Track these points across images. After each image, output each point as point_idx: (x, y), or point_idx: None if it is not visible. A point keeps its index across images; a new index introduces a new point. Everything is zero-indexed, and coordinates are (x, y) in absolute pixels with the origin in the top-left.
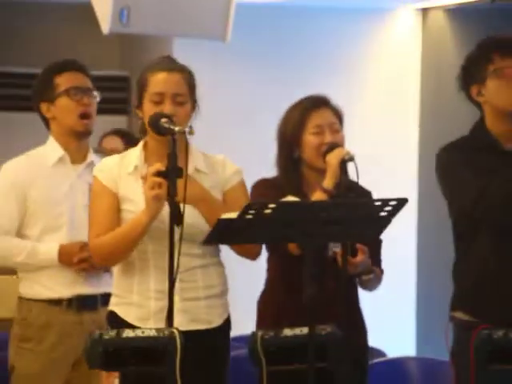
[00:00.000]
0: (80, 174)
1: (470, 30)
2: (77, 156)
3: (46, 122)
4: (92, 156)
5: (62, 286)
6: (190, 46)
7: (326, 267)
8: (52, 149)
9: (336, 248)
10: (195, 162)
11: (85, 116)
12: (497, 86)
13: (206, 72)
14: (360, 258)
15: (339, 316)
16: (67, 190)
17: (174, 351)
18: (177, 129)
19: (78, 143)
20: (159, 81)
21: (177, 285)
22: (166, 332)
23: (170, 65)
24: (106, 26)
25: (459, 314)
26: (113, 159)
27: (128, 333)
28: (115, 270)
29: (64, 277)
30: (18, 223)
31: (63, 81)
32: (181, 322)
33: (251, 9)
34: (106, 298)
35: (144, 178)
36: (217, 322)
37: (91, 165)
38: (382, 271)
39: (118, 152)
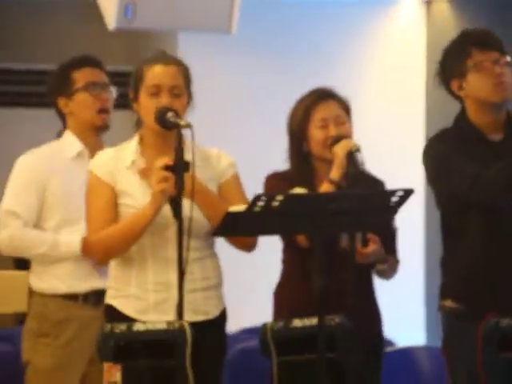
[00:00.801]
0: None
1: (474, 21)
2: (94, 150)
3: (63, 117)
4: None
5: (78, 280)
6: (196, 39)
7: (338, 258)
8: (70, 143)
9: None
10: (190, 156)
11: (103, 111)
12: (478, 79)
13: (211, 65)
14: (371, 248)
15: (352, 306)
16: (83, 184)
17: (184, 344)
18: (183, 122)
19: (95, 138)
20: (156, 73)
21: (175, 277)
22: (177, 325)
23: (166, 57)
24: (111, 22)
25: (449, 303)
26: (108, 153)
27: (139, 326)
28: (111, 263)
29: (81, 270)
30: (37, 215)
31: (81, 76)
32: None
33: (257, 3)
34: None
35: (141, 172)
36: (214, 313)
37: None
38: (397, 260)
39: None
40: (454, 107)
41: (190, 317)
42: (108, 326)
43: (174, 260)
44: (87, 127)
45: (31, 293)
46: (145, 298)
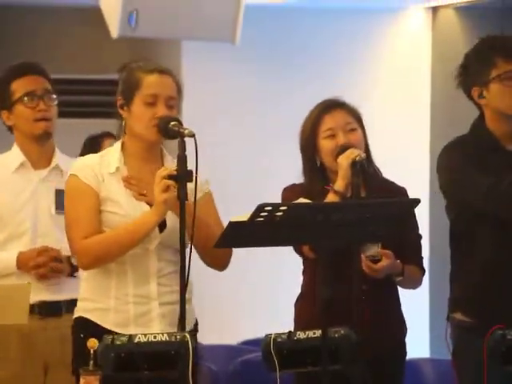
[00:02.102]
0: (44, 178)
1: (480, 28)
2: (40, 161)
3: (10, 129)
4: (58, 159)
5: None
6: (199, 48)
7: (355, 270)
8: (14, 155)
9: (368, 251)
10: (169, 168)
11: (41, 120)
12: (500, 90)
13: (214, 74)
14: (382, 263)
15: (367, 318)
16: (28, 196)
17: (187, 355)
18: (186, 132)
19: (39, 147)
20: (154, 82)
21: (156, 289)
22: (178, 336)
23: (161, 67)
24: (114, 30)
25: (458, 316)
26: (92, 158)
27: (140, 338)
28: (85, 274)
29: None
30: None
31: (19, 87)
32: (160, 327)
33: (261, 10)
34: (71, 304)
35: (125, 180)
36: (189, 325)
37: (57, 168)
38: (422, 270)
39: None
40: (459, 112)
41: (168, 329)
42: (109, 338)
43: (154, 272)
44: (29, 137)
45: None
46: (125, 311)
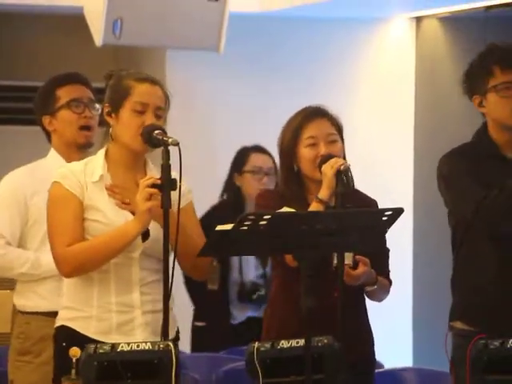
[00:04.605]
0: None
1: (464, 38)
2: None
3: (48, 134)
4: None
5: (60, 297)
6: (184, 57)
7: (330, 278)
8: (54, 161)
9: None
10: (153, 177)
11: (85, 128)
12: (497, 101)
13: (199, 82)
14: (361, 270)
15: (343, 327)
16: None
17: (170, 364)
18: (170, 140)
19: (79, 156)
20: (145, 91)
21: (139, 298)
22: (162, 345)
23: (151, 77)
24: (99, 38)
25: (459, 324)
26: (77, 166)
27: (123, 346)
28: (67, 282)
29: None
30: (20, 234)
31: (64, 93)
32: (144, 335)
33: (244, 19)
34: None
35: (109, 189)
36: (172, 333)
37: None
38: (390, 282)
39: None
40: (442, 121)
41: (151, 338)
42: (91, 347)
43: (137, 281)
44: (70, 145)
45: (14, 312)
46: (107, 319)
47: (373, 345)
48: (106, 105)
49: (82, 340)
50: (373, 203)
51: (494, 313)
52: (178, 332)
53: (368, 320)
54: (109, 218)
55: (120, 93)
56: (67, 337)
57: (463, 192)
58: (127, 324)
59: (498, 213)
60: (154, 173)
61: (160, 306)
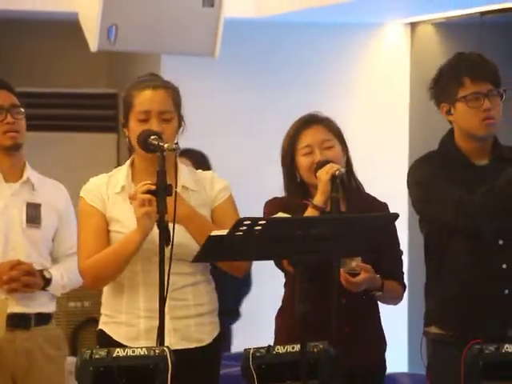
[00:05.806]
0: (15, 192)
1: (459, 43)
2: (11, 174)
3: None
4: (29, 173)
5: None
6: (179, 62)
7: (334, 284)
8: None
9: (347, 265)
10: (183, 180)
11: (9, 132)
12: (465, 111)
13: (194, 88)
14: (362, 277)
15: (350, 332)
16: (0, 209)
17: (166, 369)
18: (166, 146)
19: (9, 159)
20: (145, 99)
21: (168, 303)
22: (157, 350)
23: (155, 82)
24: (93, 44)
25: (433, 329)
26: (101, 179)
27: (118, 352)
28: (104, 289)
29: None
30: None
31: None
32: (171, 341)
33: (240, 24)
34: (40, 317)
35: (131, 198)
36: (207, 340)
37: (28, 182)
38: (403, 285)
39: None
40: (438, 127)
41: (182, 344)
42: (87, 352)
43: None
44: None
45: None
46: (136, 325)
47: (384, 351)
48: (121, 117)
49: (114, 345)
50: (383, 206)
51: (469, 316)
52: (217, 336)
53: (380, 325)
54: (127, 227)
55: (126, 105)
56: (102, 340)
57: (440, 194)
58: (155, 330)
59: (487, 211)
60: (185, 175)
61: (193, 311)
